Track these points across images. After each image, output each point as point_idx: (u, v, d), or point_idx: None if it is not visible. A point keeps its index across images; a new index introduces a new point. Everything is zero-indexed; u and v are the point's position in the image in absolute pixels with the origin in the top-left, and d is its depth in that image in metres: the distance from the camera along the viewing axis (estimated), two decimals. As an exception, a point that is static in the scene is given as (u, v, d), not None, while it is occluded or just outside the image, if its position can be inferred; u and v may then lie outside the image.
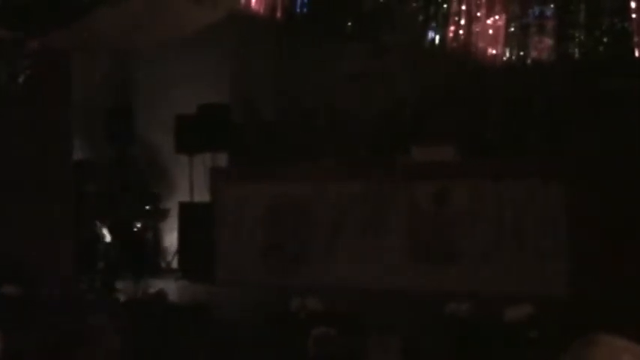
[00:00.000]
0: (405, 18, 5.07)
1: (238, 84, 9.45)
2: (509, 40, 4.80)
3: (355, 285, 7.52)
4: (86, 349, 4.90)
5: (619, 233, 6.18)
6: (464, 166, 7.67)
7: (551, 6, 4.68)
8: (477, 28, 4.77)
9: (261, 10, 5.12)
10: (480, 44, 4.81)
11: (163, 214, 9.60)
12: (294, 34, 8.28)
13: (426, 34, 4.84)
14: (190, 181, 9.14)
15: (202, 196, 9.00)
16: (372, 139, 8.47)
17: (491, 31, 4.78)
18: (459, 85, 8.16)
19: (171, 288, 7.88)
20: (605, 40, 4.62)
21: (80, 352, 4.91)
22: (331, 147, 8.45)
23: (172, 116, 9.15)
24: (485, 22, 4.78)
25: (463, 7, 4.72)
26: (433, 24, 4.79)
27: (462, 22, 4.74)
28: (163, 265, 9.51)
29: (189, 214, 9.00)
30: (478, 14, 4.77)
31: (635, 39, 4.24)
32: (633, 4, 4.26)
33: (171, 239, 9.61)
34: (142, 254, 8.94)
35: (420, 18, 4.83)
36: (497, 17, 4.77)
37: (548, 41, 4.73)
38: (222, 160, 9.26)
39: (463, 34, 4.76)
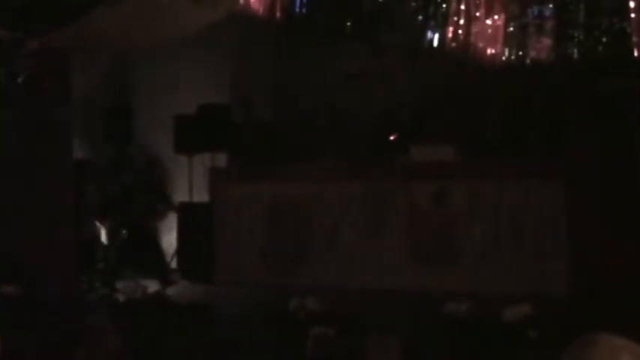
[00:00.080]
0: (404, 18, 5.08)
1: (238, 84, 9.45)
2: (508, 39, 4.80)
3: (355, 285, 7.53)
4: (86, 349, 4.90)
5: (618, 233, 6.19)
6: (463, 166, 7.67)
7: (550, 6, 4.69)
8: (476, 28, 4.78)
9: (261, 10, 5.12)
10: (479, 44, 4.82)
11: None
12: (294, 34, 8.28)
13: (425, 34, 4.84)
14: (190, 182, 9.14)
15: (202, 196, 9.00)
16: (371, 139, 8.48)
17: (490, 31, 4.78)
18: (458, 85, 8.16)
19: (170, 288, 7.89)
20: (604, 40, 4.62)
21: (80, 352, 4.91)
22: (331, 147, 8.45)
23: (172, 116, 9.15)
24: (484, 22, 4.78)
25: (462, 7, 4.72)
26: (432, 24, 4.79)
27: (461, 22, 4.75)
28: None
29: (188, 214, 9.00)
30: (477, 14, 4.77)
31: (634, 39, 4.24)
32: (632, 4, 4.26)
33: (170, 239, 9.60)
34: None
35: (419, 18, 4.83)
36: (496, 17, 4.77)
37: (547, 41, 4.74)
38: (222, 160, 9.26)
39: (462, 34, 4.76)
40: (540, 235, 7.16)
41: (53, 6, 6.29)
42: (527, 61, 4.84)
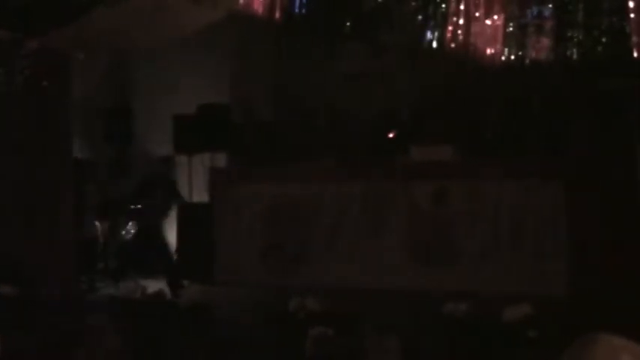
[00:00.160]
0: (404, 18, 5.07)
1: (238, 84, 9.45)
2: (507, 40, 4.80)
3: (354, 285, 7.53)
4: (86, 349, 4.90)
5: (618, 233, 6.19)
6: (463, 166, 7.67)
7: (550, 6, 4.69)
8: (475, 28, 4.77)
9: (260, 10, 5.12)
10: (479, 44, 4.81)
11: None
12: (294, 34, 8.28)
13: (424, 34, 4.83)
14: (189, 182, 9.14)
15: (201, 196, 9.00)
16: (371, 139, 8.48)
17: (489, 31, 4.78)
18: (458, 85, 8.16)
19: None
20: (603, 40, 4.62)
21: (80, 352, 4.92)
22: (331, 147, 8.45)
23: (171, 116, 9.15)
24: (483, 22, 4.78)
25: (461, 7, 4.72)
26: (432, 24, 4.79)
27: (461, 21, 4.74)
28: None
29: (188, 214, 9.00)
30: (477, 14, 4.77)
31: (634, 39, 4.24)
32: (631, 4, 4.26)
33: (170, 239, 9.61)
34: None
35: (419, 18, 4.82)
36: (495, 17, 4.77)
37: (547, 41, 4.73)
38: (221, 160, 9.26)
39: (461, 34, 4.76)
40: (540, 235, 7.16)
41: (53, 6, 6.28)
42: (527, 61, 4.83)
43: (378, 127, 8.54)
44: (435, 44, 4.82)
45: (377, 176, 7.87)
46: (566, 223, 6.67)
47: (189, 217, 8.98)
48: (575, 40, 4.69)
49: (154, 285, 7.41)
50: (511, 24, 4.78)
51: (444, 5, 4.75)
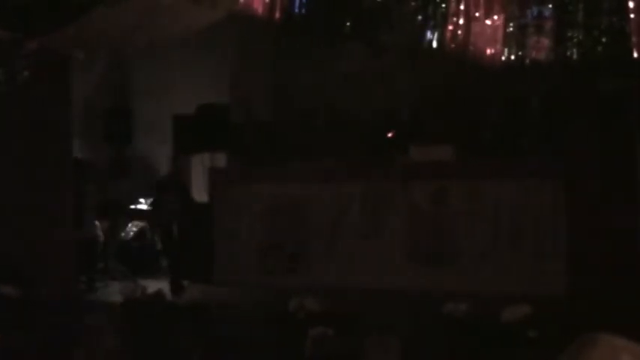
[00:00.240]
0: (404, 18, 5.07)
1: (238, 84, 9.45)
2: (507, 40, 4.79)
3: (354, 285, 7.53)
4: (86, 349, 4.91)
5: (618, 233, 6.19)
6: (463, 166, 7.67)
7: (550, 6, 4.68)
8: (475, 28, 4.77)
9: (260, 11, 5.11)
10: (479, 44, 4.81)
11: None
12: (293, 34, 8.28)
13: (424, 34, 4.83)
14: (189, 182, 9.13)
15: (201, 196, 9.00)
16: (371, 139, 8.48)
17: (489, 31, 4.78)
18: (457, 85, 8.17)
19: (169, 288, 7.89)
20: (603, 40, 4.62)
21: (80, 352, 4.92)
22: (331, 147, 8.45)
23: (171, 116, 9.15)
24: (483, 22, 4.78)
25: (461, 7, 4.72)
26: (431, 24, 4.78)
27: (461, 22, 4.74)
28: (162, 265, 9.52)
29: (188, 214, 8.98)
30: (476, 14, 4.76)
31: (634, 39, 4.24)
32: (631, 5, 4.26)
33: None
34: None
35: (419, 18, 4.82)
36: (495, 17, 4.76)
37: (547, 41, 4.73)
38: (221, 160, 9.26)
39: (461, 34, 4.75)
40: (540, 235, 7.16)
41: (53, 6, 6.28)
42: (527, 61, 4.83)
43: (378, 127, 8.54)
44: (434, 44, 4.81)
45: (377, 176, 7.87)
46: (566, 223, 6.67)
47: (189, 217, 8.97)
48: (575, 40, 4.68)
49: (154, 285, 7.42)
50: (511, 24, 4.78)
51: (443, 5, 4.74)
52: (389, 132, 8.36)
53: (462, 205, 7.48)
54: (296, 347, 4.98)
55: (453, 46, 4.79)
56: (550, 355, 2.99)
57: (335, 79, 8.97)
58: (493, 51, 4.82)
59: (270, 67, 9.48)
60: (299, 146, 8.64)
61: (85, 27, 6.37)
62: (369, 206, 7.82)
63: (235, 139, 8.94)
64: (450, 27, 4.74)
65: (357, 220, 7.88)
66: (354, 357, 4.80)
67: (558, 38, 4.71)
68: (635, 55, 4.25)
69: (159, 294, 6.56)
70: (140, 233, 9.54)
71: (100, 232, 9.01)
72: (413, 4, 4.81)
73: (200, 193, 9.01)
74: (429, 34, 4.79)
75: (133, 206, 9.78)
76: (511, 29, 4.77)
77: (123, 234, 9.50)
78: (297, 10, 5.16)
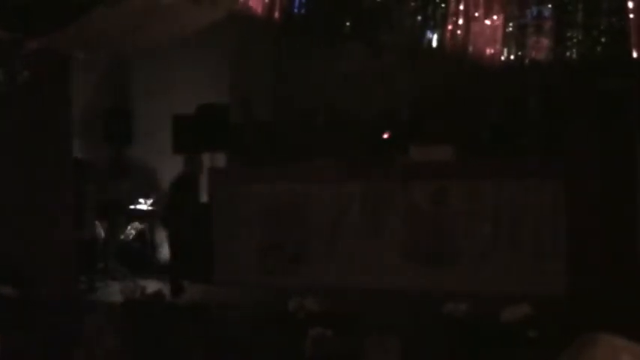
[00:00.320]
0: (403, 18, 5.08)
1: (238, 84, 9.45)
2: (507, 40, 4.80)
3: (354, 285, 7.54)
4: (86, 349, 4.91)
5: (618, 233, 6.19)
6: (463, 166, 7.67)
7: (549, 6, 4.69)
8: (475, 29, 4.78)
9: (260, 11, 5.11)
10: (478, 44, 4.81)
11: None
12: (293, 34, 8.28)
13: (424, 34, 4.83)
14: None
15: (200, 196, 9.00)
16: (371, 139, 8.48)
17: (489, 32, 4.78)
18: (457, 85, 8.17)
19: (169, 288, 7.88)
20: (602, 40, 4.62)
21: (80, 352, 4.92)
22: (331, 147, 8.45)
23: (171, 116, 9.15)
24: (483, 22, 4.78)
25: (461, 7, 4.72)
26: (431, 24, 4.79)
27: (460, 22, 4.74)
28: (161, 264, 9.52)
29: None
30: (476, 14, 4.77)
31: (633, 39, 4.24)
32: (631, 5, 4.26)
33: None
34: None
35: (418, 18, 4.82)
36: (495, 17, 4.77)
37: (546, 41, 4.74)
38: (221, 160, 9.25)
39: (461, 34, 4.76)
40: (540, 235, 7.16)
41: (53, 6, 6.28)
42: (526, 61, 4.83)
43: (378, 127, 8.54)
44: (434, 44, 4.82)
45: (377, 176, 7.87)
46: (566, 223, 6.67)
47: (189, 217, 8.96)
48: (575, 40, 4.69)
49: (154, 285, 7.42)
50: (510, 24, 4.79)
51: (443, 5, 4.75)
52: (384, 133, 8.34)
53: (462, 205, 7.48)
54: (296, 347, 4.98)
55: (452, 46, 4.79)
56: (550, 355, 2.99)
57: (335, 79, 8.97)
58: (493, 51, 4.83)
59: (270, 67, 9.47)
60: (299, 146, 8.64)
61: (85, 27, 6.37)
62: (369, 206, 7.83)
63: (235, 139, 8.94)
64: (450, 27, 4.75)
65: (357, 220, 7.87)
66: (354, 357, 4.80)
67: (558, 38, 4.72)
68: (635, 55, 4.25)
69: (159, 294, 6.57)
70: (140, 235, 9.54)
71: (100, 232, 9.02)
72: (413, 4, 4.81)
73: (200, 193, 9.01)
74: (428, 34, 4.79)
75: (132, 206, 9.78)
76: (511, 29, 4.78)
77: (122, 236, 9.49)
78: (296, 11, 5.17)
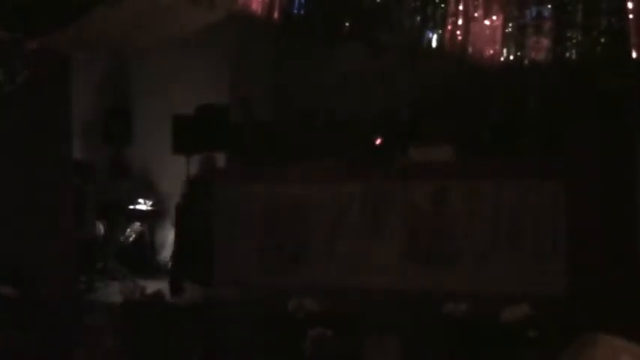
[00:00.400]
0: (403, 18, 5.08)
1: (238, 84, 9.45)
2: (506, 40, 4.80)
3: (354, 285, 7.53)
4: (86, 349, 4.91)
5: (618, 233, 6.19)
6: (463, 166, 7.67)
7: (549, 6, 4.69)
8: (474, 29, 4.77)
9: (259, 11, 5.11)
10: (478, 45, 4.81)
11: None
12: (293, 34, 8.28)
13: (423, 35, 4.83)
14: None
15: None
16: (371, 139, 8.48)
17: (488, 32, 4.78)
18: (457, 85, 8.17)
19: (168, 288, 7.89)
20: (602, 40, 4.62)
21: (80, 352, 4.92)
22: (331, 147, 8.44)
23: (171, 116, 9.15)
24: (482, 22, 4.78)
25: (460, 8, 4.72)
26: (430, 24, 4.79)
27: (460, 22, 4.74)
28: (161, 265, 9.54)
29: (187, 214, 8.99)
30: (475, 14, 4.77)
31: (633, 39, 4.24)
32: (630, 5, 4.26)
33: (168, 240, 9.62)
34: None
35: (418, 18, 4.82)
36: (494, 17, 4.77)
37: (546, 41, 4.74)
38: (220, 160, 9.26)
39: (460, 35, 4.76)
40: (540, 235, 7.16)
41: (53, 6, 6.28)
42: (526, 61, 4.83)
43: (378, 127, 8.54)
44: (434, 44, 4.82)
45: (377, 176, 7.87)
46: (566, 223, 6.67)
47: (189, 217, 8.98)
48: (574, 40, 4.69)
49: (154, 285, 7.41)
50: (510, 24, 4.78)
51: (442, 5, 4.75)
52: (377, 139, 8.32)
53: (461, 205, 7.47)
54: (295, 347, 4.98)
55: (452, 46, 4.79)
56: (550, 355, 2.99)
57: (335, 79, 8.96)
58: (492, 51, 4.83)
59: (271, 67, 9.47)
60: (299, 146, 8.63)
61: (85, 27, 6.37)
62: (369, 206, 7.82)
63: (235, 139, 8.94)
64: (449, 27, 4.75)
65: (357, 220, 7.87)
66: (354, 357, 4.80)
67: (557, 38, 4.72)
68: (635, 55, 4.25)
69: (158, 294, 6.56)
70: (139, 236, 9.54)
71: (100, 233, 9.02)
72: (412, 4, 4.81)
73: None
74: (428, 34, 4.79)
75: (132, 207, 9.78)
76: (510, 29, 4.78)
77: (122, 238, 9.50)
78: (296, 11, 5.17)
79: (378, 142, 8.31)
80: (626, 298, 5.82)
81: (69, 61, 7.60)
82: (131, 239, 9.49)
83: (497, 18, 4.78)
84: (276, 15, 5.10)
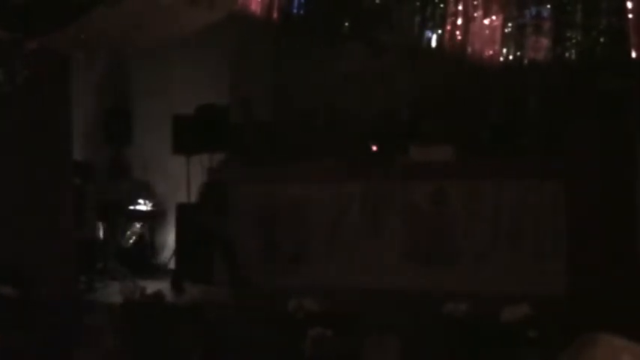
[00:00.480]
0: (403, 18, 5.08)
1: (238, 84, 9.45)
2: (506, 40, 4.80)
3: (354, 285, 7.54)
4: (86, 350, 4.91)
5: (618, 233, 6.19)
6: (463, 166, 7.68)
7: (548, 6, 4.69)
8: (473, 29, 4.78)
9: (258, 11, 5.11)
10: (477, 44, 4.82)
11: None
12: (293, 34, 8.28)
13: (423, 35, 4.84)
14: (188, 182, 9.13)
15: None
16: (371, 139, 8.48)
17: (487, 32, 4.78)
18: (457, 85, 8.17)
19: (169, 289, 7.88)
20: (602, 40, 4.63)
21: (80, 352, 4.92)
22: (331, 147, 8.45)
23: (171, 117, 9.15)
24: (482, 22, 4.78)
25: (460, 8, 4.72)
26: (430, 24, 4.79)
27: (459, 22, 4.75)
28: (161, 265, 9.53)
29: (186, 214, 8.99)
30: (475, 14, 4.77)
31: (632, 39, 4.24)
32: (630, 5, 4.26)
33: (168, 240, 9.62)
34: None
35: (417, 18, 4.83)
36: (494, 17, 4.77)
37: (545, 41, 4.74)
38: (220, 160, 9.25)
39: (460, 35, 4.76)
40: (540, 235, 7.17)
41: (53, 6, 6.28)
42: (525, 61, 4.84)
43: (378, 127, 8.54)
44: (433, 44, 4.82)
45: (376, 176, 7.88)
46: (566, 223, 6.67)
47: (188, 218, 8.97)
48: (574, 40, 4.69)
49: (154, 285, 7.41)
50: (509, 24, 4.79)
51: (442, 5, 4.75)
52: (372, 145, 8.31)
53: (461, 205, 7.48)
54: (295, 347, 4.98)
55: (451, 46, 4.79)
56: (550, 355, 2.99)
57: (335, 79, 8.96)
58: (492, 51, 4.83)
59: (270, 67, 9.47)
60: (299, 146, 8.64)
61: (85, 27, 6.37)
62: (369, 206, 7.83)
63: (235, 139, 8.94)
64: (449, 27, 4.75)
65: (357, 220, 7.88)
66: (354, 357, 4.80)
67: (557, 38, 4.72)
68: (634, 55, 4.25)
69: (158, 294, 6.56)
70: (139, 236, 9.54)
71: (100, 233, 9.02)
72: (412, 4, 4.82)
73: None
74: (427, 34, 4.80)
75: (132, 207, 9.78)
76: (510, 29, 4.78)
77: (122, 238, 9.49)
78: (295, 11, 5.17)
79: (374, 148, 8.30)
80: (626, 298, 5.81)
81: (69, 61, 7.60)
82: (131, 239, 9.48)
83: (497, 18, 4.78)
84: (275, 15, 5.10)
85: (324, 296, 6.30)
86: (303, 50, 8.86)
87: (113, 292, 7.68)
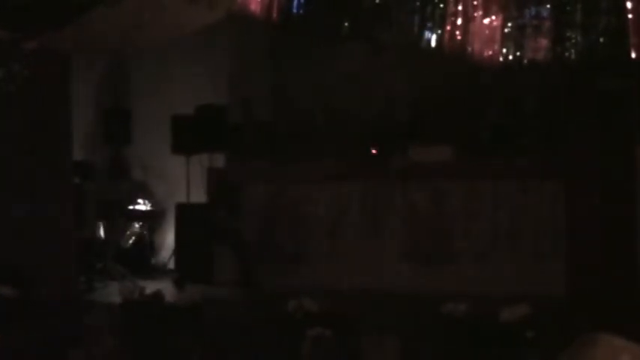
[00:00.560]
0: (402, 18, 5.09)
1: (237, 84, 9.44)
2: (505, 40, 4.81)
3: (354, 285, 7.54)
4: (85, 349, 4.91)
5: (617, 233, 6.20)
6: (462, 166, 7.68)
7: (548, 6, 4.69)
8: (473, 29, 4.78)
9: (258, 11, 5.11)
10: (477, 45, 4.82)
11: None
12: (292, 34, 8.28)
13: (422, 35, 4.84)
14: (187, 182, 9.13)
15: (200, 196, 8.99)
16: (370, 139, 8.48)
17: (487, 32, 4.79)
18: (457, 85, 8.17)
19: (168, 289, 7.88)
20: (601, 40, 4.63)
21: (79, 352, 4.92)
22: (330, 147, 8.45)
23: (170, 117, 9.15)
24: (481, 22, 4.79)
25: (460, 8, 4.73)
26: (430, 24, 4.79)
27: (459, 22, 4.75)
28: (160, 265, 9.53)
29: (186, 214, 8.99)
30: (475, 15, 4.77)
31: (632, 39, 4.24)
32: (629, 5, 4.27)
33: (168, 240, 9.61)
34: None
35: (417, 18, 4.83)
36: (493, 18, 4.78)
37: (545, 42, 4.74)
38: (220, 160, 9.25)
39: (460, 35, 4.76)
40: (539, 235, 7.17)
41: (53, 6, 6.28)
42: (525, 61, 4.84)
43: (378, 127, 8.54)
44: (433, 44, 4.82)
45: (377, 176, 7.88)
46: (566, 223, 6.67)
47: (187, 218, 8.98)
48: (574, 40, 4.69)
49: (153, 286, 7.41)
50: (509, 24, 4.79)
51: (442, 5, 4.75)
52: (372, 148, 8.31)
53: (461, 205, 7.48)
54: (295, 347, 4.98)
55: (451, 46, 4.80)
56: (550, 355, 2.99)
57: (335, 79, 8.96)
58: (491, 51, 4.83)
59: (270, 67, 9.46)
60: (299, 146, 8.63)
61: (85, 27, 6.37)
62: (369, 206, 7.83)
63: (235, 139, 8.94)
64: (449, 27, 4.75)
65: (357, 220, 7.88)
66: (354, 357, 4.79)
67: (556, 39, 4.73)
68: (634, 55, 4.25)
69: (157, 294, 6.55)
70: (139, 237, 9.53)
71: (99, 233, 9.01)
72: (412, 4, 4.82)
73: (199, 194, 9.00)
74: (427, 34, 4.80)
75: (132, 207, 9.77)
76: (509, 30, 4.78)
77: (122, 238, 9.49)
78: (295, 11, 5.17)
79: (373, 151, 8.30)
80: (626, 298, 5.82)
81: (69, 61, 7.59)
82: (130, 239, 9.48)
83: (497, 18, 4.78)
84: (275, 15, 5.10)
85: (324, 296, 6.30)
86: (303, 50, 8.86)
87: (113, 292, 7.67)
